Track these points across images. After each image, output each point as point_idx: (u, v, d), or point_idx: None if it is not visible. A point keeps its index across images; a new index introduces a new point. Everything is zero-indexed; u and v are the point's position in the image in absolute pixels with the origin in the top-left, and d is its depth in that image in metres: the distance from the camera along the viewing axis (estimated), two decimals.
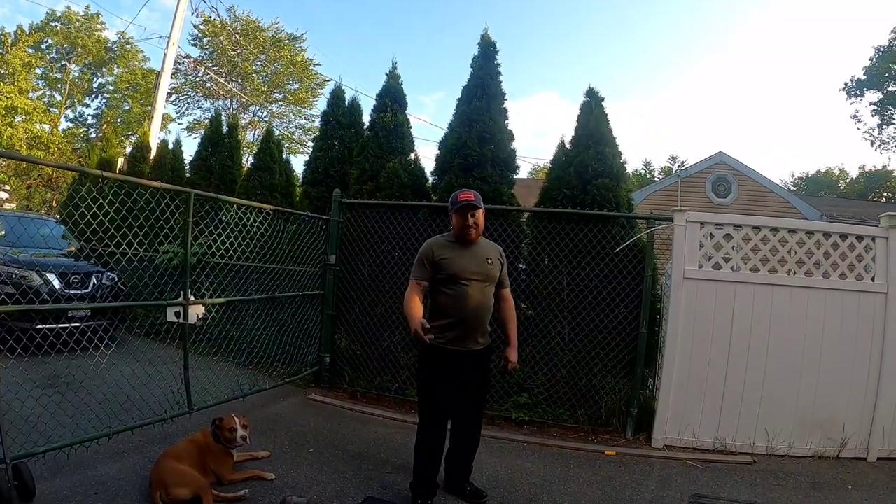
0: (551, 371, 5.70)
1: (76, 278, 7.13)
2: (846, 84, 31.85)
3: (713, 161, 16.99)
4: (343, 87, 8.30)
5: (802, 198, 20.42)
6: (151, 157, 11.75)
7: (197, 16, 20.11)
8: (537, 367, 5.71)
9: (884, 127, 31.98)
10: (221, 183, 9.02)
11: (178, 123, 35.87)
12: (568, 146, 6.23)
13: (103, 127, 32.67)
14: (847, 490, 4.48)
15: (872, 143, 33.00)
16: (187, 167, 10.40)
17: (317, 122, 10.94)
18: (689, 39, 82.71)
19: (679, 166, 42.74)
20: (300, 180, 8.60)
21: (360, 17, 69.07)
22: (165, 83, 16.78)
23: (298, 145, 35.17)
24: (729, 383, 5.18)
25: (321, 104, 32.00)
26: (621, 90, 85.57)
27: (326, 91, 29.18)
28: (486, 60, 6.46)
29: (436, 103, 76.56)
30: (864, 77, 30.54)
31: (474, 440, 3.86)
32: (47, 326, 5.50)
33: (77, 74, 35.48)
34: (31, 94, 30.61)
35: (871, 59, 29.96)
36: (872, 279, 5.23)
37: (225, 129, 9.93)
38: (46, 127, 31.42)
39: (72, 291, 6.98)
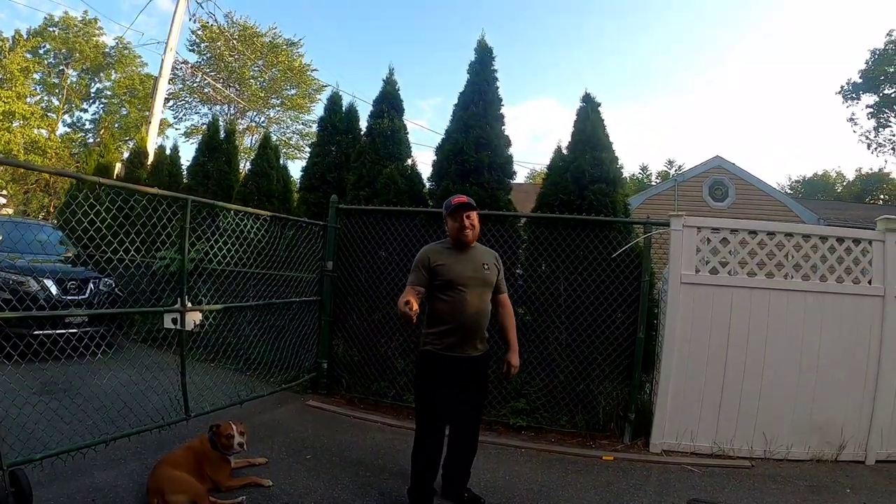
0: (549, 376, 5.70)
1: (73, 284, 7.12)
2: (842, 87, 31.98)
3: (710, 165, 17.02)
4: (340, 93, 8.31)
5: (799, 201, 20.45)
6: (149, 162, 11.74)
7: (195, 21, 20.12)
8: (535, 372, 5.71)
9: (880, 130, 32.10)
10: (219, 189, 9.01)
11: (176, 129, 35.97)
12: (565, 151, 6.24)
13: (101, 132, 32.69)
14: (846, 493, 4.48)
15: (869, 145, 33.12)
16: (185, 173, 10.38)
17: (314, 128, 10.94)
18: (686, 45, 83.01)
19: (676, 171, 42.85)
20: (297, 186, 8.59)
21: (357, 22, 69.21)
22: (163, 88, 16.79)
23: (296, 151, 35.20)
24: (726, 388, 5.19)
25: (318, 109, 32.17)
26: (618, 95, 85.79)
27: (324, 96, 29.11)
28: (482, 66, 6.48)
29: (433, 108, 76.71)
30: (860, 80, 30.64)
31: (472, 446, 3.86)
32: (44, 332, 5.53)
33: (75, 79, 35.55)
34: (28, 99, 30.59)
35: (866, 63, 30.07)
36: (869, 282, 5.24)
37: (222, 134, 9.91)
38: (44, 132, 31.41)
39: (69, 297, 6.97)
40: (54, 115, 34.03)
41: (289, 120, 36.23)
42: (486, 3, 74.67)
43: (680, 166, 45.26)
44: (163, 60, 16.19)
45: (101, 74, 36.25)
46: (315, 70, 35.14)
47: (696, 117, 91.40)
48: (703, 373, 5.20)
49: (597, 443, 5.46)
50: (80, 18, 33.45)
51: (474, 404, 3.82)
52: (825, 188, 51.01)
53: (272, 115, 35.81)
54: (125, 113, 36.23)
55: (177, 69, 29.56)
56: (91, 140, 34.61)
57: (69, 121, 36.44)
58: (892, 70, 29.00)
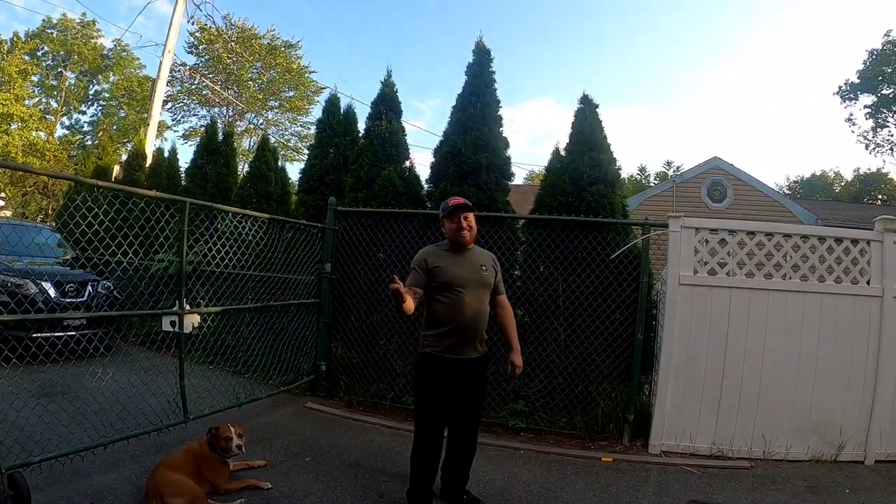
0: (548, 378, 5.70)
1: (72, 287, 7.12)
2: (840, 88, 31.97)
3: (708, 166, 17.02)
4: (338, 95, 8.32)
5: (797, 202, 20.46)
6: (147, 164, 11.74)
7: (193, 23, 20.12)
8: (534, 373, 5.71)
9: (878, 130, 32.07)
10: (217, 191, 9.02)
11: (174, 131, 35.92)
12: (563, 153, 6.25)
13: (99, 134, 32.59)
14: (845, 494, 4.48)
15: (867, 146, 33.08)
16: (183, 175, 10.38)
17: (312, 130, 10.91)
18: (685, 45, 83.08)
19: (674, 171, 42.86)
20: (296, 188, 8.59)
21: (356, 24, 69.26)
22: (161, 91, 16.77)
23: (294, 153, 35.18)
24: (725, 388, 5.19)
25: (317, 111, 32.18)
26: (617, 96, 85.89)
27: (322, 98, 29.18)
28: (480, 68, 6.50)
29: (431, 110, 76.77)
30: (857, 81, 30.63)
31: (471, 448, 3.85)
32: (43, 335, 5.52)
33: (73, 82, 35.53)
34: (27, 102, 30.54)
35: (864, 63, 30.08)
36: (868, 283, 5.25)
37: (221, 136, 9.92)
38: (42, 134, 31.39)
39: (67, 300, 6.96)
40: (52, 118, 34.02)
41: (287, 122, 36.25)
42: (485, 4, 74.79)
43: (678, 167, 45.39)
44: (161, 62, 16.18)
45: (100, 77, 36.24)
46: (313, 72, 35.22)
47: (694, 118, 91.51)
48: (701, 374, 5.21)
49: (596, 444, 5.46)
50: (78, 20, 33.49)
51: (473, 406, 3.81)
52: (823, 189, 51.06)
53: (270, 117, 35.81)
54: (123, 115, 36.19)
55: (175, 71, 29.56)
56: (89, 142, 34.54)
57: (67, 123, 36.48)
58: (889, 70, 29.01)
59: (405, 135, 7.16)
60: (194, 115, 35.37)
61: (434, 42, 76.63)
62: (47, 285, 6.78)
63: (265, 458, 4.41)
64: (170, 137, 34.81)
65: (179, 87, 33.75)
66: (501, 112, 6.54)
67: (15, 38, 31.25)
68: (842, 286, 5.24)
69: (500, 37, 73.47)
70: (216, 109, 33.70)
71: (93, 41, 34.61)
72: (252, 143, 32.27)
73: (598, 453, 5.20)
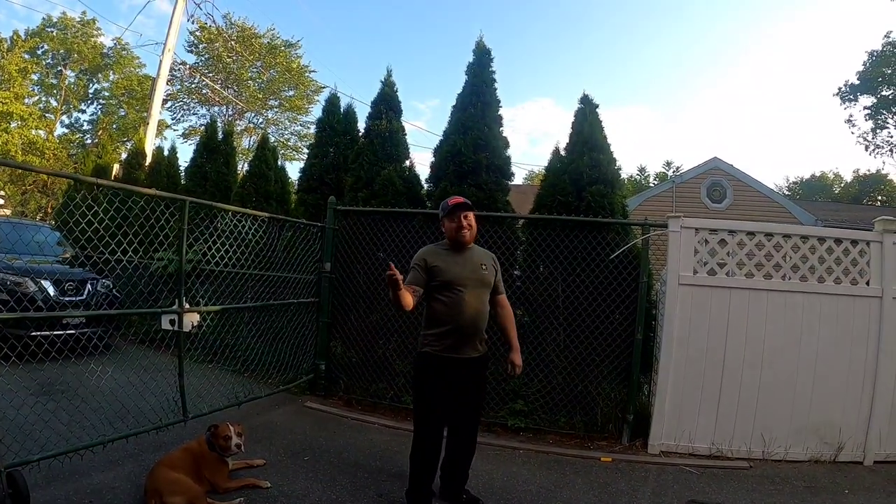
0: (547, 378, 5.70)
1: (71, 285, 7.11)
2: (840, 89, 31.89)
3: (708, 166, 17.04)
4: (338, 95, 8.30)
5: (797, 202, 20.48)
6: (147, 163, 11.71)
7: (193, 22, 20.11)
8: (533, 373, 5.70)
9: (878, 131, 32.01)
10: (217, 190, 9.01)
11: (174, 130, 35.96)
12: (563, 153, 6.25)
13: (99, 133, 32.65)
14: (844, 494, 4.49)
15: (867, 147, 32.98)
16: (183, 174, 10.37)
17: (312, 129, 10.90)
18: (684, 46, 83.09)
19: (674, 172, 42.85)
20: (295, 187, 8.59)
21: (356, 23, 69.28)
22: (161, 89, 16.77)
23: (294, 152, 35.20)
24: (725, 388, 5.19)
25: (317, 111, 32.17)
26: (616, 96, 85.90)
27: (322, 97, 29.18)
28: (480, 68, 6.49)
29: (431, 110, 76.75)
30: (857, 82, 30.59)
31: (470, 448, 3.85)
32: (42, 333, 5.52)
33: (73, 80, 35.57)
34: (26, 100, 30.56)
35: (864, 64, 30.00)
36: (867, 283, 5.25)
37: (220, 135, 9.91)
38: (42, 133, 31.40)
39: (67, 298, 6.96)
40: (52, 116, 34.06)
41: (287, 121, 36.27)
42: (485, 4, 74.80)
43: (678, 167, 45.37)
44: (161, 61, 16.17)
45: (100, 75, 36.27)
46: (313, 71, 35.23)
47: (694, 118, 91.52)
48: (701, 374, 5.21)
49: (595, 444, 5.46)
50: (78, 19, 33.47)
51: (473, 406, 3.81)
52: (823, 189, 51.06)
53: (270, 116, 35.83)
54: (123, 114, 36.21)
55: (175, 70, 29.59)
56: (89, 141, 34.58)
57: (67, 122, 36.55)
58: (889, 72, 28.97)
59: (405, 134, 7.17)
60: (194, 114, 35.47)
61: (434, 42, 76.68)
62: (47, 283, 6.78)
63: (264, 457, 4.40)
64: (169, 136, 34.96)
65: (179, 86, 33.79)
66: (501, 112, 6.54)
67: (15, 37, 31.29)
68: (841, 287, 5.24)
69: (500, 37, 73.52)
70: (216, 108, 33.75)
71: (93, 40, 34.65)
72: (252, 142, 32.30)
73: (598, 453, 5.20)
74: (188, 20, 17.67)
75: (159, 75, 16.39)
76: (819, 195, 48.26)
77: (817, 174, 53.52)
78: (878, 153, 32.95)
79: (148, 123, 16.01)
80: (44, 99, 34.49)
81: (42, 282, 6.74)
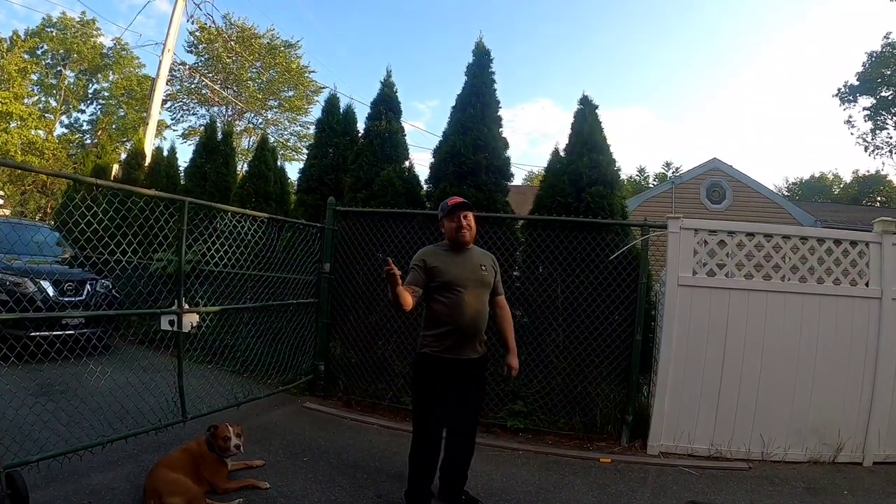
0: (546, 378, 5.70)
1: (70, 285, 7.11)
2: (839, 90, 31.95)
3: (707, 167, 17.02)
4: (338, 95, 8.31)
5: (796, 203, 20.47)
6: (146, 163, 11.70)
7: (192, 22, 20.12)
8: (532, 374, 5.70)
9: (877, 132, 32.07)
10: (216, 190, 9.01)
11: (174, 130, 36.00)
12: (562, 154, 6.25)
13: (98, 133, 32.66)
14: (843, 495, 4.49)
15: (866, 148, 33.08)
16: (182, 174, 10.37)
17: (312, 129, 10.91)
18: (683, 47, 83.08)
19: (673, 173, 42.78)
20: (295, 188, 8.59)
21: (355, 24, 69.31)
22: (160, 90, 16.77)
23: (293, 152, 35.21)
24: (724, 389, 5.19)
25: (316, 111, 32.20)
26: (616, 97, 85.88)
27: (321, 98, 29.20)
28: (480, 68, 6.50)
29: (431, 110, 76.66)
30: (857, 83, 30.64)
31: (469, 449, 3.85)
32: (41, 334, 5.51)
33: (72, 80, 35.58)
34: (26, 100, 30.57)
35: (863, 65, 30.07)
36: (866, 284, 5.26)
37: (220, 136, 9.91)
38: (41, 133, 31.41)
39: (66, 299, 6.96)
40: (52, 116, 34.07)
41: (286, 121, 36.30)
42: (485, 5, 74.83)
43: (677, 168, 45.17)
44: (160, 62, 16.17)
45: (99, 75, 36.30)
46: (313, 72, 35.30)
47: (693, 119, 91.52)
48: (700, 375, 5.21)
49: (594, 445, 5.46)
50: (77, 19, 33.49)
51: (472, 406, 3.81)
52: (822, 190, 51.05)
53: (270, 116, 35.85)
54: (123, 114, 36.24)
55: (174, 70, 29.63)
56: (88, 141, 34.59)
57: (66, 122, 36.56)
58: (888, 73, 29.03)
59: (404, 135, 7.17)
60: (193, 115, 35.52)
61: (434, 42, 76.71)
62: (46, 284, 6.78)
63: (264, 458, 4.40)
64: (169, 136, 35.03)
65: (179, 87, 33.84)
66: (501, 112, 6.54)
67: (14, 37, 31.31)
68: (840, 288, 5.25)
69: (500, 37, 73.51)
70: (215, 109, 33.78)
71: (92, 40, 34.67)
72: (251, 143, 32.32)
73: (597, 454, 5.21)
74: (188, 20, 17.68)
75: (159, 75, 16.39)
76: (818, 196, 48.26)
77: (817, 175, 53.50)
78: (877, 154, 33.05)
79: (147, 124, 16.01)
80: (43, 99, 34.56)
81: (41, 282, 6.74)
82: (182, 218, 4.65)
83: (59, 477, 3.71)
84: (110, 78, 36.42)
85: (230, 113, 34.20)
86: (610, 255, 5.60)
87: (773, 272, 5.32)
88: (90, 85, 36.45)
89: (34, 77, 32.63)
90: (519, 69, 79.39)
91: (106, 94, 36.70)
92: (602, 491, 4.37)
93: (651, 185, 39.00)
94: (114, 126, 34.78)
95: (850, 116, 32.64)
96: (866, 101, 31.19)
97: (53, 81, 34.58)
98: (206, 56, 33.72)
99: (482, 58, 6.53)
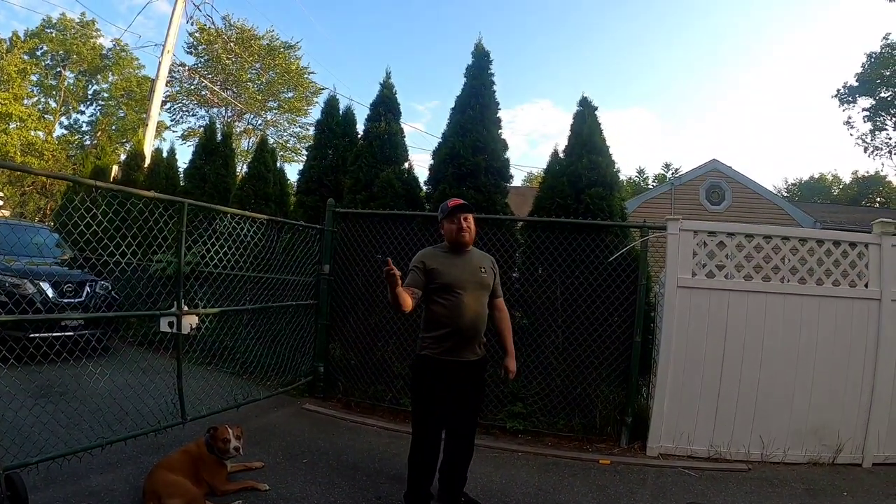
0: (546, 380, 5.70)
1: (69, 287, 7.11)
2: (839, 91, 31.91)
3: (707, 168, 17.03)
4: (337, 97, 8.33)
5: (796, 204, 20.48)
6: (146, 165, 11.72)
7: (192, 24, 20.14)
8: (531, 376, 5.70)
9: (876, 133, 32.05)
10: (216, 191, 9.02)
11: (173, 131, 35.99)
12: (561, 155, 6.26)
13: (98, 134, 32.69)
14: (842, 496, 4.49)
15: (865, 149, 33.05)
16: (181, 175, 10.38)
17: (311, 131, 10.93)
18: (682, 47, 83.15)
19: (673, 174, 42.89)
20: (294, 189, 8.60)
21: (355, 25, 69.33)
22: (160, 91, 16.79)
23: (293, 154, 35.22)
24: (723, 391, 5.19)
25: (316, 112, 32.22)
26: (615, 98, 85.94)
27: (321, 99, 29.21)
28: (479, 70, 6.50)
29: (430, 111, 76.78)
30: (856, 83, 30.63)
31: (469, 450, 3.84)
32: (40, 335, 5.51)
33: (72, 81, 35.57)
34: (25, 101, 30.58)
35: (863, 66, 30.07)
36: (866, 286, 5.26)
37: (219, 137, 9.93)
38: (41, 134, 31.41)
39: (65, 300, 6.95)
40: (51, 117, 34.06)
41: (286, 123, 36.31)
42: (485, 5, 74.88)
43: (676, 169, 45.31)
44: (160, 63, 16.19)
45: (99, 76, 36.29)
46: (312, 73, 35.33)
47: (693, 120, 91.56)
48: (699, 376, 5.21)
49: (593, 446, 5.46)
50: (77, 20, 33.51)
51: (471, 408, 3.81)
52: (822, 191, 51.07)
53: (269, 117, 35.86)
54: (122, 115, 36.26)
55: (174, 72, 29.63)
56: (88, 142, 34.61)
57: (66, 123, 36.54)
58: (888, 73, 29.03)
59: (404, 136, 7.19)
60: (193, 116, 35.53)
61: (433, 43, 76.75)
62: (45, 285, 6.77)
63: (263, 460, 4.40)
64: (168, 138, 35.01)
65: (178, 88, 33.83)
66: (500, 114, 6.55)
67: (14, 38, 31.33)
68: (839, 289, 5.25)
69: (499, 38, 73.56)
70: (215, 110, 33.77)
71: (92, 41, 34.66)
72: (251, 144, 32.35)
73: (596, 455, 5.21)
74: (187, 21, 17.71)
75: (158, 76, 16.41)
76: (818, 197, 48.28)
77: (816, 176, 53.55)
78: (876, 155, 33.00)
79: (147, 125, 16.03)
80: (43, 100, 34.56)
81: (41, 283, 6.74)
82: (181, 219, 4.65)
83: (59, 479, 3.71)
84: (110, 79, 36.43)
85: (230, 114, 34.21)
86: (609, 256, 5.59)
87: (772, 273, 5.32)
88: (90, 86, 36.46)
89: (34, 78, 32.65)
90: (518, 70, 79.49)
91: (105, 95, 36.73)
92: (601, 492, 4.37)
93: (650, 187, 39.02)
94: (113, 127, 34.80)
95: (850, 117, 32.66)
96: (865, 102, 31.19)
97: (53, 82, 34.58)
98: (206, 57, 33.73)
99: (481, 59, 6.54)
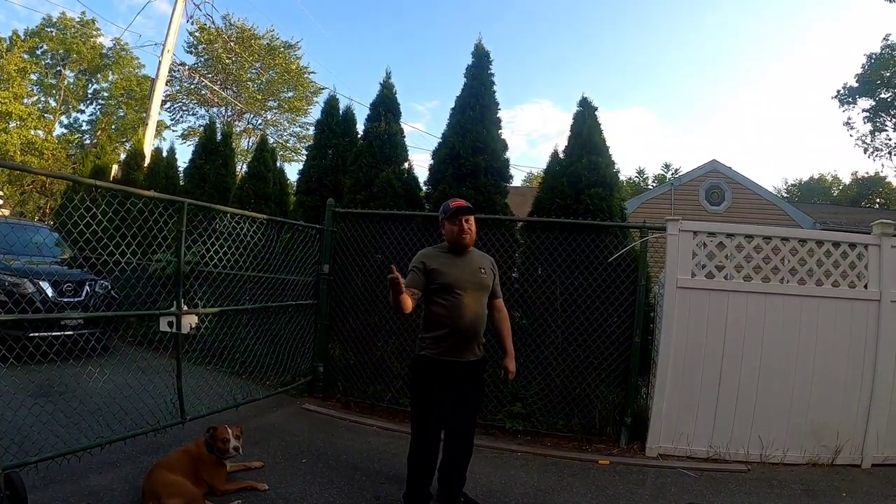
0: (545, 380, 5.70)
1: (69, 286, 7.10)
2: (838, 91, 31.92)
3: (706, 169, 17.03)
4: (337, 97, 8.34)
5: (795, 205, 20.50)
6: (146, 164, 11.72)
7: (192, 23, 20.13)
8: (531, 376, 5.71)
9: (876, 134, 32.04)
10: (215, 191, 9.02)
11: (173, 131, 36.00)
12: (561, 155, 6.27)
13: (98, 133, 32.68)
14: (841, 497, 4.49)
15: (865, 150, 33.04)
16: (181, 175, 10.38)
17: (311, 130, 10.93)
18: (682, 48, 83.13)
19: (673, 174, 42.85)
20: (294, 189, 8.60)
21: (355, 25, 69.33)
22: (160, 90, 16.79)
23: (293, 153, 35.22)
24: (722, 391, 5.19)
25: (316, 112, 32.22)
26: (615, 98, 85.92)
27: (321, 99, 29.24)
28: (479, 70, 6.51)
29: (430, 111, 76.77)
30: (856, 84, 30.63)
31: (468, 450, 3.84)
32: (40, 335, 5.51)
33: (72, 80, 35.56)
34: (25, 100, 30.56)
35: (863, 67, 30.07)
36: (865, 287, 5.26)
37: (219, 137, 9.93)
38: (41, 133, 31.40)
39: (65, 300, 6.95)
40: (51, 116, 34.06)
41: (286, 122, 36.30)
42: (485, 5, 74.88)
43: (676, 170, 45.25)
44: (160, 62, 16.18)
45: (99, 76, 36.28)
46: (312, 73, 35.32)
47: (692, 121, 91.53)
48: (699, 377, 5.21)
49: (593, 447, 5.46)
50: (77, 19, 33.47)
51: (471, 408, 3.81)
52: (821, 192, 51.07)
53: (269, 117, 35.84)
54: (122, 114, 36.22)
55: (174, 71, 29.60)
56: (88, 141, 34.58)
57: (66, 122, 36.53)
58: (888, 74, 29.03)
59: (404, 136, 7.20)
60: (193, 115, 35.53)
61: (433, 43, 76.74)
62: (45, 285, 6.77)
63: (262, 460, 4.40)
64: (168, 137, 35.04)
65: (178, 87, 33.82)
66: (500, 114, 6.56)
67: (14, 37, 31.30)
68: (839, 290, 5.25)
69: (499, 38, 73.53)
70: (215, 109, 33.76)
71: (92, 40, 34.64)
72: (251, 144, 32.33)
73: (595, 456, 5.21)
74: (187, 21, 17.70)
75: (158, 76, 16.40)
76: (817, 197, 48.28)
77: (816, 176, 53.55)
78: (876, 156, 32.99)
79: (147, 124, 16.02)
80: (43, 99, 34.56)
81: (40, 283, 6.73)
82: (181, 219, 4.65)
83: (58, 478, 3.71)
84: (110, 78, 36.42)
85: (229, 114, 34.20)
86: (609, 256, 5.59)
87: (771, 274, 5.32)
88: (90, 85, 36.44)
89: (34, 77, 32.65)
90: (518, 69, 79.50)
91: (105, 94, 36.71)
92: (601, 493, 4.37)
93: (650, 187, 39.02)
94: (113, 126, 34.76)
95: (850, 118, 32.64)
96: (865, 102, 31.19)
97: (53, 81, 34.56)
98: (206, 56, 33.72)
99: (481, 59, 6.54)
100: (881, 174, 41.20)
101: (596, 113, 6.20)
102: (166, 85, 21.17)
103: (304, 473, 4.29)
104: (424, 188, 6.78)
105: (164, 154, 11.24)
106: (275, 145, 25.56)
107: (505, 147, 6.48)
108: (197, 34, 31.63)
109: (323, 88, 34.09)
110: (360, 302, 6.37)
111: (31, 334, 5.57)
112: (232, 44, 30.99)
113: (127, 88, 35.61)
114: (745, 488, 4.58)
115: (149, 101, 17.20)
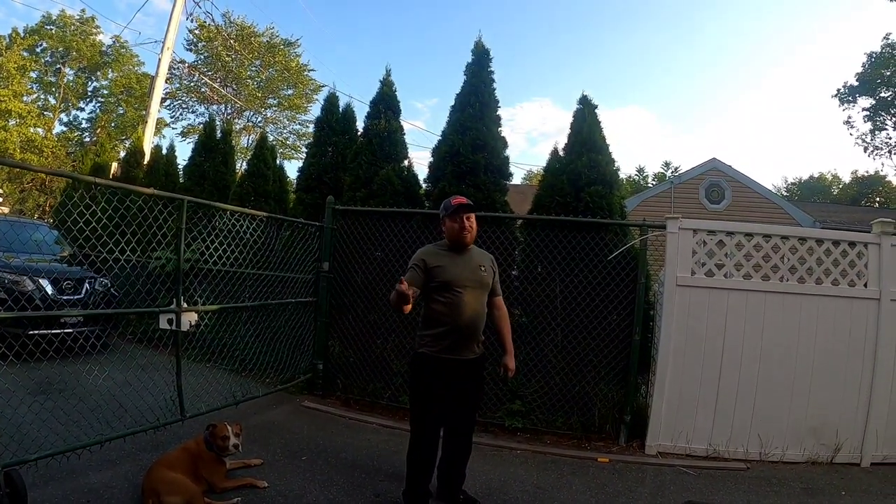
0: (545, 378, 5.70)
1: (69, 284, 7.10)
2: (839, 90, 31.95)
3: (706, 167, 17.03)
4: (337, 94, 8.31)
5: (795, 203, 20.49)
6: (145, 162, 11.71)
7: (192, 20, 20.12)
8: (531, 374, 5.71)
9: (876, 133, 32.08)
10: (215, 188, 9.01)
11: (173, 128, 35.98)
12: (561, 153, 6.26)
13: (97, 131, 32.64)
14: (840, 496, 4.50)
15: (865, 148, 33.09)
16: (181, 172, 10.37)
17: (311, 128, 10.92)
18: (682, 47, 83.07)
19: (672, 172, 42.84)
20: (294, 186, 8.59)
21: (355, 22, 69.24)
22: (160, 88, 16.77)
23: (292, 151, 35.20)
24: (722, 390, 5.20)
25: (315, 109, 32.19)
26: (615, 96, 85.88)
27: (321, 97, 29.21)
28: (479, 68, 6.50)
29: (430, 109, 76.76)
30: (856, 83, 30.65)
31: (467, 448, 3.85)
32: (39, 332, 5.50)
33: (71, 78, 35.47)
34: (25, 98, 30.53)
35: (863, 66, 30.09)
36: (865, 285, 5.26)
37: (219, 134, 9.92)
38: (40, 131, 31.35)
39: (64, 297, 6.94)
40: (51, 114, 33.98)
41: (286, 120, 36.30)
42: (485, 4, 74.80)
43: (676, 168, 45.30)
44: (160, 60, 16.17)
45: (98, 73, 36.18)
46: (312, 70, 35.27)
47: (692, 119, 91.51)
48: (698, 375, 5.21)
49: (592, 445, 5.46)
50: (77, 17, 33.44)
51: (470, 406, 3.81)
52: (821, 191, 51.09)
53: (269, 115, 35.84)
54: (122, 112, 36.14)
55: (174, 68, 29.60)
56: (87, 139, 34.55)
57: (66, 119, 36.42)
58: (888, 73, 29.04)
59: (404, 134, 7.18)
60: (193, 113, 35.50)
61: (433, 41, 76.69)
62: (44, 282, 6.76)
63: (262, 457, 4.40)
64: (168, 135, 35.06)
65: (178, 85, 33.78)
66: (500, 112, 6.55)
67: (14, 34, 31.26)
68: (839, 289, 5.25)
69: (499, 36, 73.49)
70: (215, 107, 33.77)
71: (91, 38, 34.54)
72: (250, 141, 32.35)
73: (595, 454, 5.21)
74: (187, 18, 17.73)
75: (158, 73, 16.39)
76: (817, 196, 48.30)
77: (816, 175, 53.58)
78: (876, 155, 33.05)
79: (146, 122, 16.01)
80: (42, 97, 34.47)
81: (40, 280, 6.73)
82: (181, 216, 4.64)
83: (58, 476, 3.70)
84: (109, 76, 36.31)
85: (229, 111, 34.20)
86: (609, 254, 5.59)
87: (771, 273, 5.32)
88: (89, 83, 36.36)
89: (33, 75, 32.58)
90: (518, 67, 79.44)
91: (105, 91, 36.62)
92: (600, 491, 4.37)
93: (650, 185, 39.04)
94: (113, 124, 34.69)
95: (850, 117, 32.68)
96: (865, 101, 31.23)
97: (52, 79, 34.49)
98: (206, 54, 33.69)
99: (481, 57, 6.53)
100: (881, 173, 41.21)
101: (596, 111, 6.19)
102: (166, 82, 21.15)
103: (303, 471, 4.29)
104: (424, 186, 6.78)
105: (164, 152, 11.23)
106: (274, 143, 25.59)
107: (505, 145, 6.48)
108: (197, 32, 31.58)
109: (323, 86, 34.11)
110: (360, 299, 6.36)
111: (31, 332, 5.57)
112: (232, 41, 30.96)
113: (126, 86, 35.54)
114: (745, 486, 4.58)
115: (148, 98, 17.18)
